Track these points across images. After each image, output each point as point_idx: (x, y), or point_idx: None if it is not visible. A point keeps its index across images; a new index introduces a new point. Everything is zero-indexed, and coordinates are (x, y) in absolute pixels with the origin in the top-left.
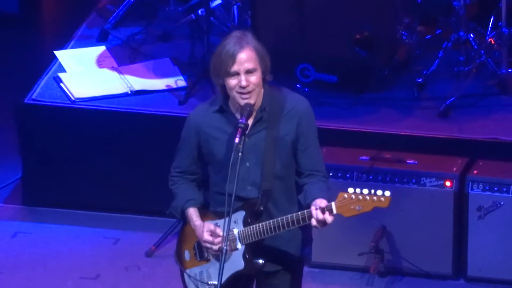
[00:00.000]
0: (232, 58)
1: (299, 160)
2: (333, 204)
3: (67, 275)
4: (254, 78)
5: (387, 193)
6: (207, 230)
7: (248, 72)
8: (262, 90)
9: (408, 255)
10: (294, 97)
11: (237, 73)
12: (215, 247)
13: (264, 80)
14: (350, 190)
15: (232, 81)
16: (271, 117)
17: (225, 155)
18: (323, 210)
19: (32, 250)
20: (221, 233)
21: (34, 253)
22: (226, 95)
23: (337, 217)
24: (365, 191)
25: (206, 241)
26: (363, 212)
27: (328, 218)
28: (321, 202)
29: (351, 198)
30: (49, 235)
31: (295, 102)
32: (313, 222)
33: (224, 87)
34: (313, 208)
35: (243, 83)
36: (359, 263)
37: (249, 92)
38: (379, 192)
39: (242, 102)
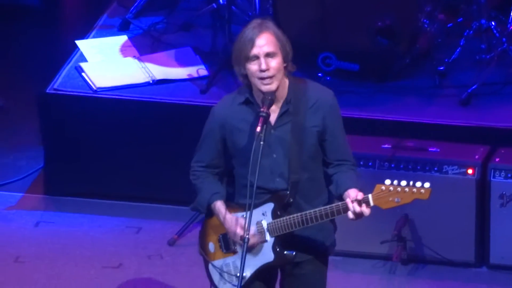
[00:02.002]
0: (251, 42)
1: (326, 151)
2: (370, 196)
3: (90, 264)
4: (275, 63)
5: (427, 184)
6: (236, 222)
7: (268, 55)
8: (287, 81)
9: (430, 243)
10: (319, 89)
11: (256, 57)
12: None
13: (286, 69)
14: (387, 181)
15: (253, 66)
16: (297, 109)
17: (249, 146)
18: (359, 203)
19: (54, 239)
20: (252, 228)
21: (57, 243)
22: (250, 86)
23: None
24: (403, 182)
25: (234, 233)
26: (402, 204)
27: (366, 210)
28: (357, 194)
29: (389, 190)
30: (72, 224)
31: (320, 93)
32: (350, 215)
33: (246, 77)
34: (349, 200)
35: (263, 66)
36: (381, 251)
37: (270, 77)
38: (418, 184)
39: (264, 88)
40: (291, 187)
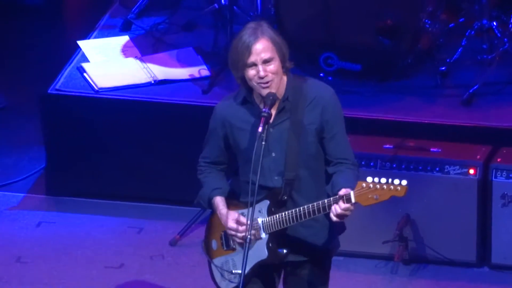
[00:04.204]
0: (248, 50)
1: (326, 149)
2: (351, 193)
3: (92, 264)
4: (272, 67)
5: (404, 182)
6: (232, 218)
7: (265, 62)
8: (285, 79)
9: (432, 243)
10: (318, 86)
11: (254, 64)
12: (240, 235)
13: (284, 68)
14: (369, 179)
15: (251, 72)
16: (294, 106)
17: (250, 145)
18: (342, 199)
19: (56, 239)
20: (245, 221)
21: (58, 243)
22: (248, 87)
23: (361, 206)
24: (383, 180)
25: (230, 229)
26: (381, 201)
27: (346, 207)
28: (344, 192)
29: (369, 187)
30: (73, 224)
31: (318, 90)
32: (332, 211)
33: (244, 79)
34: (331, 198)
35: (261, 73)
36: (383, 251)
37: (268, 82)
38: (396, 181)
39: (263, 92)
40: (285, 184)
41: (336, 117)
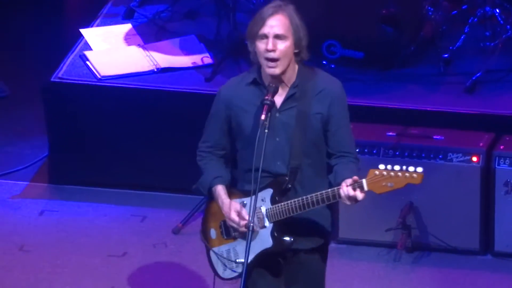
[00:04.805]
0: (263, 20)
1: (330, 142)
2: (364, 181)
3: (95, 253)
4: (283, 46)
5: (419, 169)
6: (234, 209)
7: (277, 37)
8: (297, 67)
9: (435, 230)
10: (328, 78)
11: (265, 36)
12: (241, 227)
13: (297, 55)
14: (381, 166)
15: (260, 45)
16: (303, 95)
17: (253, 129)
18: (353, 187)
19: (59, 228)
20: (247, 215)
21: (61, 231)
22: (259, 66)
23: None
24: (397, 167)
25: (232, 220)
26: (396, 188)
27: (359, 195)
28: (353, 178)
29: (383, 175)
30: (76, 213)
31: (327, 82)
32: (344, 199)
33: (256, 54)
34: (343, 185)
35: (270, 46)
36: (386, 239)
37: (275, 60)
38: (411, 168)
39: (268, 70)
40: (291, 172)
41: (343, 111)
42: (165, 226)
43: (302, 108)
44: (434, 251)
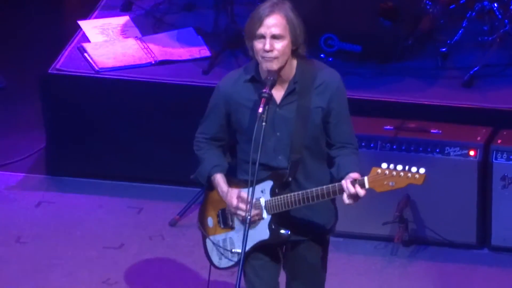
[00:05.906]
0: (260, 21)
1: (330, 134)
2: (365, 178)
3: (91, 245)
4: (280, 45)
5: (422, 170)
6: (237, 196)
7: (274, 37)
8: (295, 61)
9: (432, 224)
10: (326, 71)
11: (263, 36)
12: (242, 213)
13: (295, 52)
14: (384, 165)
15: (258, 45)
16: (303, 89)
17: (252, 124)
18: (354, 184)
19: (55, 219)
20: (247, 199)
21: (58, 223)
22: (257, 64)
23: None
24: (399, 167)
25: (234, 207)
26: (397, 188)
27: (360, 191)
28: (354, 176)
29: (385, 174)
30: (73, 204)
31: (327, 75)
32: (345, 196)
33: (253, 52)
34: (344, 181)
35: (267, 46)
36: (383, 233)
37: (271, 58)
38: (414, 169)
39: (264, 65)
40: (291, 166)
41: (343, 102)
42: (162, 218)
43: (302, 102)
44: (431, 244)
